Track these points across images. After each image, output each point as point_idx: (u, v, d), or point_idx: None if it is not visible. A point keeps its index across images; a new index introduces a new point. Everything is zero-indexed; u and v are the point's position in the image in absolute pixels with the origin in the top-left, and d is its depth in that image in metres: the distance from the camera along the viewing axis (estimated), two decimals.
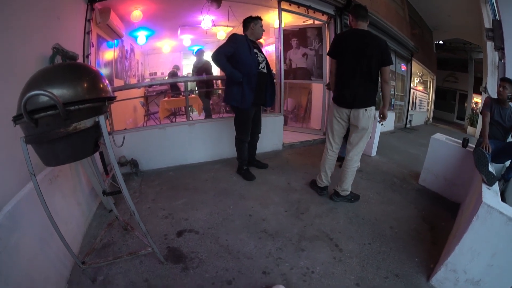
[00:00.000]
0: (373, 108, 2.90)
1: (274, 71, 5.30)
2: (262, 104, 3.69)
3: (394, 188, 3.78)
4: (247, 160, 3.91)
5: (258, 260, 2.28)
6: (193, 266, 2.19)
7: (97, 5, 4.12)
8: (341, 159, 3.71)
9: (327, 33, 5.85)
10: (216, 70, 6.63)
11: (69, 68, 1.69)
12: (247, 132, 3.65)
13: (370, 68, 2.79)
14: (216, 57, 3.23)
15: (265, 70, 3.51)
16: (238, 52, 3.26)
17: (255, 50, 3.42)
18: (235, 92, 3.33)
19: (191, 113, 5.40)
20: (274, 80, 4.02)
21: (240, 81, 3.27)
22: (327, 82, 3.24)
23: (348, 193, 3.20)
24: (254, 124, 3.76)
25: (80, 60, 3.20)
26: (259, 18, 3.44)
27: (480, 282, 1.89)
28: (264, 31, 3.55)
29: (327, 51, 3.10)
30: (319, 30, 5.96)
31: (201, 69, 6.21)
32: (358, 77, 2.82)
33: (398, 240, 2.61)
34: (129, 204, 1.87)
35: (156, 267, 2.18)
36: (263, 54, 3.56)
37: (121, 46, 6.51)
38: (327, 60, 5.73)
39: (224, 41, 3.37)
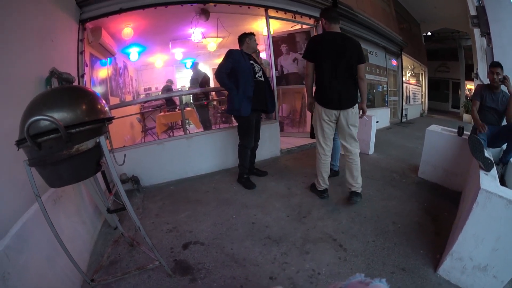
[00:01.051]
0: (357, 104, 3.05)
1: None
2: (263, 110, 3.87)
3: (394, 183, 3.82)
4: (247, 169, 3.96)
5: (264, 266, 2.30)
6: (200, 277, 2.21)
7: (89, 25, 4.19)
8: (334, 173, 3.93)
9: None
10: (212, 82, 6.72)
11: (67, 91, 1.74)
12: (250, 137, 3.77)
13: (351, 68, 2.94)
14: (219, 76, 3.52)
15: (262, 79, 3.72)
16: (236, 65, 3.48)
17: (251, 62, 3.63)
18: (235, 102, 3.51)
19: (187, 126, 5.44)
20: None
21: (238, 93, 3.50)
22: (307, 103, 3.33)
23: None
24: (255, 132, 3.87)
25: (75, 79, 3.24)
26: (252, 34, 3.75)
27: (487, 267, 1.91)
28: (258, 44, 3.82)
29: (303, 54, 3.13)
30: (307, 34, 6.03)
31: (203, 81, 6.34)
32: (340, 78, 2.93)
33: (401, 234, 2.63)
34: (134, 220, 1.90)
35: (165, 280, 2.19)
36: (259, 65, 3.77)
37: (114, 63, 6.55)
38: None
39: (222, 58, 3.57)
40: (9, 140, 1.55)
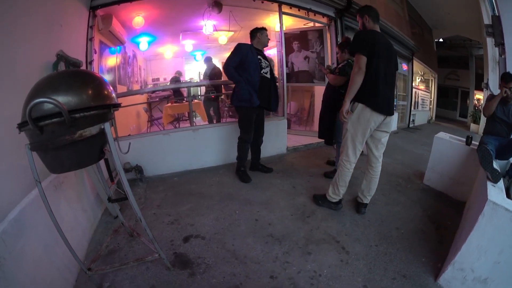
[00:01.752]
0: None
1: (276, 75, 5.39)
2: (266, 107, 3.85)
3: (399, 188, 3.77)
4: (245, 162, 4.01)
5: (265, 264, 2.27)
6: (200, 272, 2.18)
7: (99, 12, 4.16)
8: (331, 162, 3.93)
9: (328, 35, 5.88)
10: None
11: (74, 75, 1.70)
12: (250, 132, 3.79)
13: (395, 72, 2.82)
14: (226, 69, 3.56)
15: (267, 76, 3.72)
16: (243, 60, 3.51)
17: (259, 57, 3.65)
18: (245, 93, 3.52)
19: (194, 118, 5.42)
20: (277, 84, 4.16)
21: (246, 85, 3.51)
22: (344, 110, 2.69)
23: None
24: (258, 127, 3.89)
25: (83, 66, 3.22)
26: (264, 29, 3.73)
27: (487, 280, 1.87)
28: (269, 39, 3.80)
29: (355, 47, 2.65)
30: (320, 33, 5.99)
31: (212, 73, 6.45)
32: (389, 80, 2.71)
33: (404, 240, 2.60)
34: (136, 210, 1.87)
35: (163, 273, 2.17)
36: (267, 61, 3.77)
37: (123, 52, 6.56)
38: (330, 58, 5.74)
39: (231, 52, 3.60)
40: (14, 125, 1.51)
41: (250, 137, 3.83)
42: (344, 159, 2.86)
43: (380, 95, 2.62)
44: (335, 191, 3.02)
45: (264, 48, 3.83)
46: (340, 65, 3.71)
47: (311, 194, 3.48)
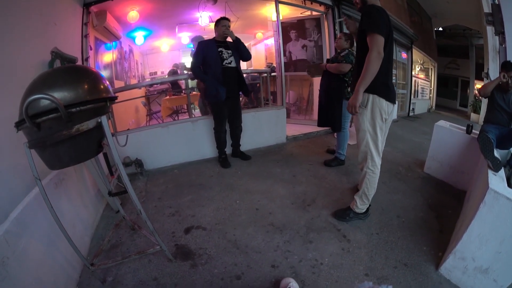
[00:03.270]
0: None
1: (274, 64, 5.40)
2: (236, 96, 3.99)
3: (400, 177, 3.76)
4: (224, 149, 4.24)
5: (266, 253, 2.28)
6: (201, 263, 2.20)
7: (93, 8, 4.15)
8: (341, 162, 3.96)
9: (326, 23, 5.83)
10: None
11: (69, 70, 1.69)
12: (221, 123, 3.99)
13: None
14: (193, 71, 3.81)
15: (232, 65, 3.77)
16: (205, 56, 3.66)
17: (220, 49, 3.71)
18: (212, 89, 3.64)
19: (193, 110, 5.41)
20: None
21: (211, 80, 3.67)
22: (357, 100, 2.24)
23: None
24: (233, 118, 4.07)
25: (78, 60, 3.21)
26: (221, 19, 3.73)
27: (488, 269, 1.87)
28: (226, 27, 3.70)
29: (372, 26, 2.12)
30: (317, 21, 5.93)
31: None
32: (392, 64, 2.41)
33: (405, 229, 2.60)
34: (135, 202, 1.87)
35: (165, 265, 2.18)
36: (230, 50, 3.78)
37: (119, 47, 6.50)
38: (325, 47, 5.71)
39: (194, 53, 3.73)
40: (12, 124, 1.52)
41: (222, 127, 4.02)
42: (371, 165, 2.45)
43: (390, 82, 2.35)
44: (364, 202, 2.62)
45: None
46: (342, 54, 3.68)
47: (311, 183, 3.50)
